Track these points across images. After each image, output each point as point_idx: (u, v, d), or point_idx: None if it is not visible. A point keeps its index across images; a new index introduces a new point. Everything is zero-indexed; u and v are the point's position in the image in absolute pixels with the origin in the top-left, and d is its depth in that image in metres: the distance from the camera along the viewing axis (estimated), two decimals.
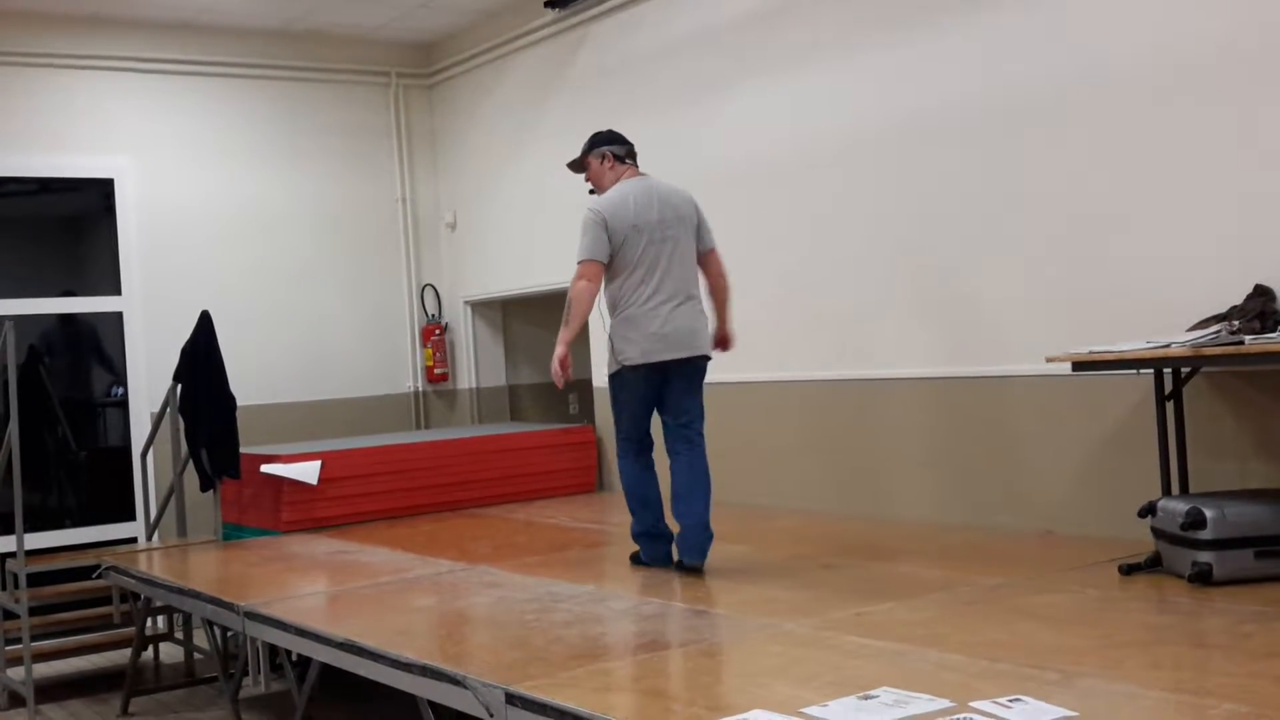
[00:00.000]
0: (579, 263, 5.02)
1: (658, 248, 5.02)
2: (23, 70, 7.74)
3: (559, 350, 4.97)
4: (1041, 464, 5.31)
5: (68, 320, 8.10)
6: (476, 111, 8.75)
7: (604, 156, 5.23)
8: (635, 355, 4.97)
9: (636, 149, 5.29)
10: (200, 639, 6.74)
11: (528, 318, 9.16)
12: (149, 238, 8.08)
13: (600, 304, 5.09)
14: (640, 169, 5.26)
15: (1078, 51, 5.08)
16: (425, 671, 3.67)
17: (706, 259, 5.20)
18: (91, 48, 7.92)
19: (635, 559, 5.19)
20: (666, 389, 5.07)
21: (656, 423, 5.16)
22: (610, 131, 5.33)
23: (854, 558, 5.03)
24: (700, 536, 4.97)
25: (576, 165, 5.35)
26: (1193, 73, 4.70)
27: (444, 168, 9.13)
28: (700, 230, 5.18)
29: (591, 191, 5.31)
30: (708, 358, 5.14)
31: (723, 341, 5.28)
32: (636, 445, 5.12)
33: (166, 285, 8.05)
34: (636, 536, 5.18)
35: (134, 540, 7.73)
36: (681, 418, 5.08)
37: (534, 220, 8.29)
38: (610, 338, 5.06)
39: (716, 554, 5.25)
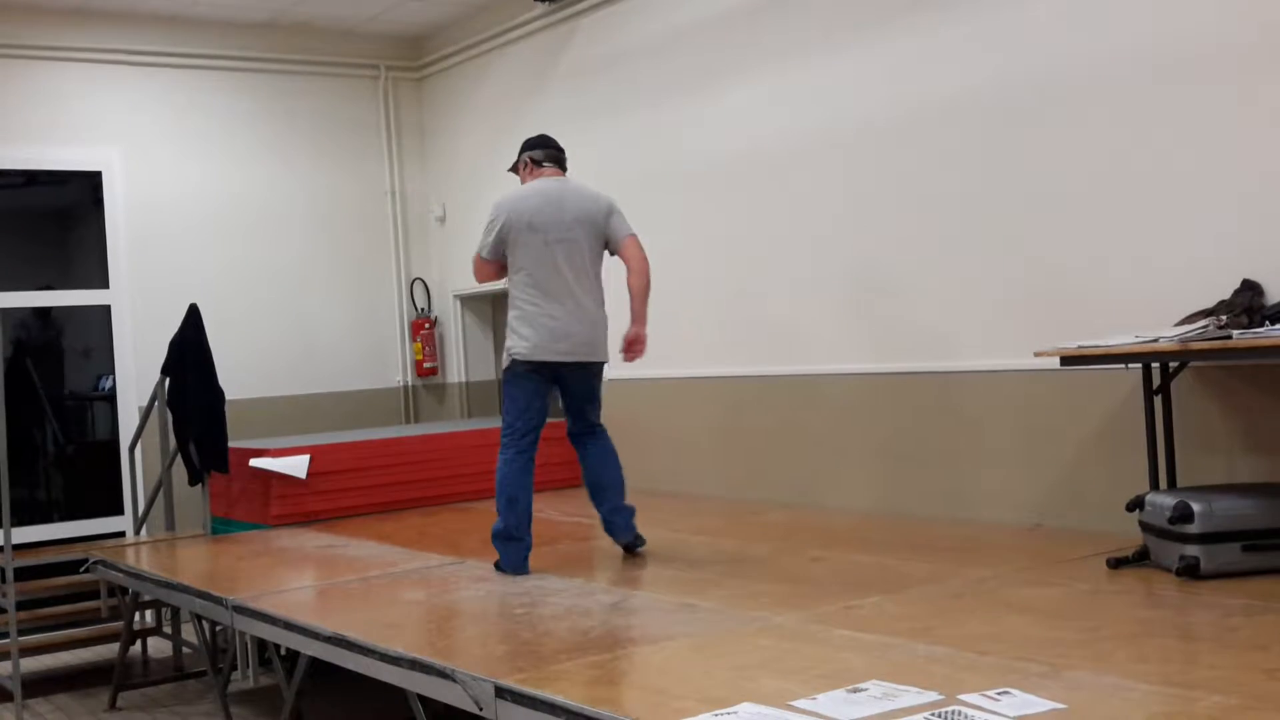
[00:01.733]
0: (474, 256, 5.19)
1: (554, 248, 5.02)
2: (10, 63, 7.71)
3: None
4: (1030, 458, 5.32)
5: (55, 313, 8.07)
6: (466, 105, 8.74)
7: (525, 163, 5.31)
8: (525, 351, 5.01)
9: (565, 154, 5.31)
10: (189, 633, 6.72)
11: None
12: (137, 231, 8.05)
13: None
14: (564, 172, 5.26)
15: (1060, 47, 5.08)
16: (414, 665, 3.66)
17: (623, 248, 5.13)
18: (80, 40, 7.89)
19: (498, 566, 5.04)
20: (563, 390, 5.15)
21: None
22: (540, 136, 5.39)
23: (842, 551, 5.04)
24: (626, 516, 5.19)
25: (514, 169, 5.42)
26: (1178, 67, 4.71)
27: (433, 161, 9.11)
28: (610, 226, 5.12)
29: None
30: (602, 363, 5.16)
31: (631, 344, 5.10)
32: (519, 440, 5.05)
33: (155, 278, 8.03)
34: (495, 537, 5.02)
35: (122, 534, 7.71)
36: (583, 418, 5.24)
37: None
38: (508, 332, 5.08)
39: (704, 548, 5.27)
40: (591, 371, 5.15)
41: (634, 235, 5.15)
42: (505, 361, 5.10)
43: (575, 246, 5.05)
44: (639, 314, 5.09)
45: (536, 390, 5.06)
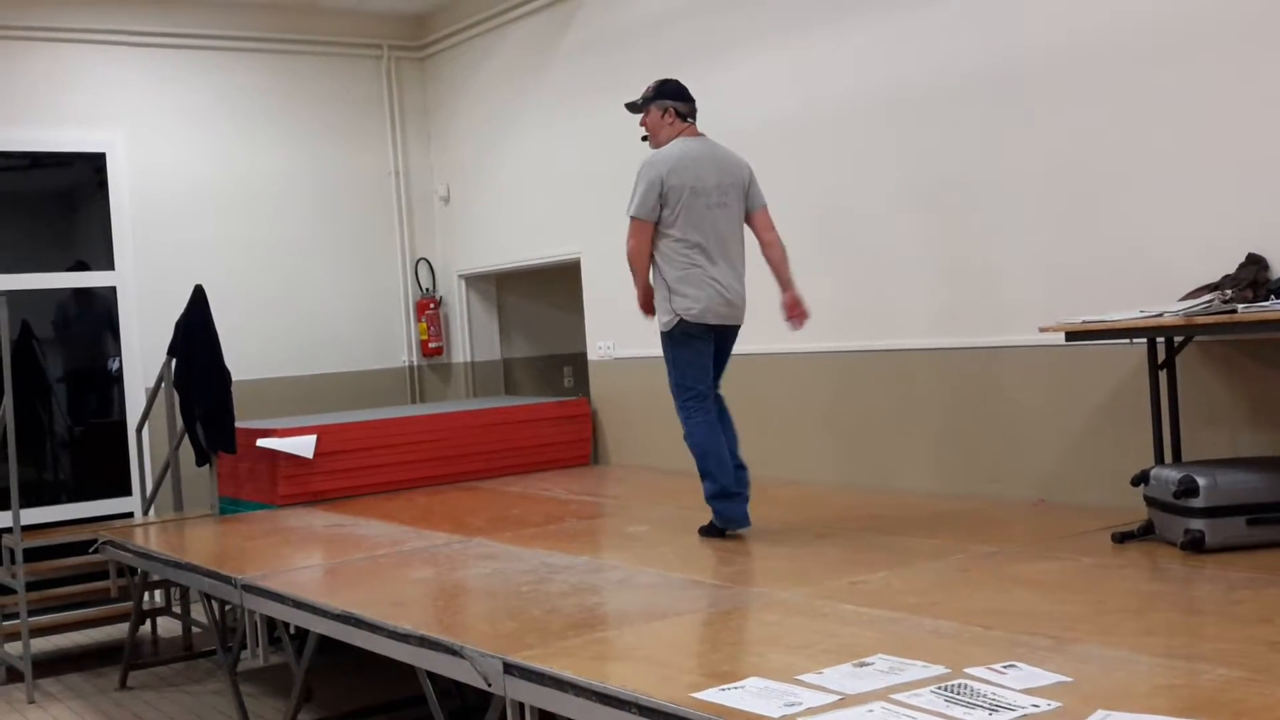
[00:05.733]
0: (631, 218, 5.01)
1: (714, 213, 5.00)
2: (13, 44, 7.70)
3: (640, 300, 5.11)
4: (1035, 433, 5.32)
5: (61, 295, 8.08)
6: (469, 84, 8.72)
7: (666, 110, 5.15)
8: (697, 313, 4.95)
9: (697, 107, 5.22)
10: (198, 613, 6.76)
11: (522, 291, 9.16)
12: (142, 212, 8.06)
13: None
14: (699, 129, 5.19)
15: (1077, 18, 5.06)
16: (423, 642, 3.69)
17: (756, 218, 5.16)
18: (83, 21, 7.88)
19: (708, 530, 5.03)
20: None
21: None
22: (678, 84, 5.23)
23: (848, 527, 5.05)
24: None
25: (636, 108, 5.27)
26: (1187, 40, 4.69)
27: (437, 140, 9.10)
28: (750, 192, 5.15)
29: (644, 139, 5.25)
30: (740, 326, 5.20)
31: (795, 306, 5.16)
32: (702, 403, 5.05)
33: (160, 259, 8.04)
34: (713, 499, 5.01)
35: (130, 515, 7.74)
36: (714, 381, 5.18)
37: (528, 193, 8.27)
38: (668, 294, 4.98)
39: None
40: (735, 334, 5.18)
41: (766, 205, 5.19)
42: (671, 322, 4.98)
43: (729, 211, 5.04)
44: (789, 279, 5.15)
45: (704, 350, 5.04)
